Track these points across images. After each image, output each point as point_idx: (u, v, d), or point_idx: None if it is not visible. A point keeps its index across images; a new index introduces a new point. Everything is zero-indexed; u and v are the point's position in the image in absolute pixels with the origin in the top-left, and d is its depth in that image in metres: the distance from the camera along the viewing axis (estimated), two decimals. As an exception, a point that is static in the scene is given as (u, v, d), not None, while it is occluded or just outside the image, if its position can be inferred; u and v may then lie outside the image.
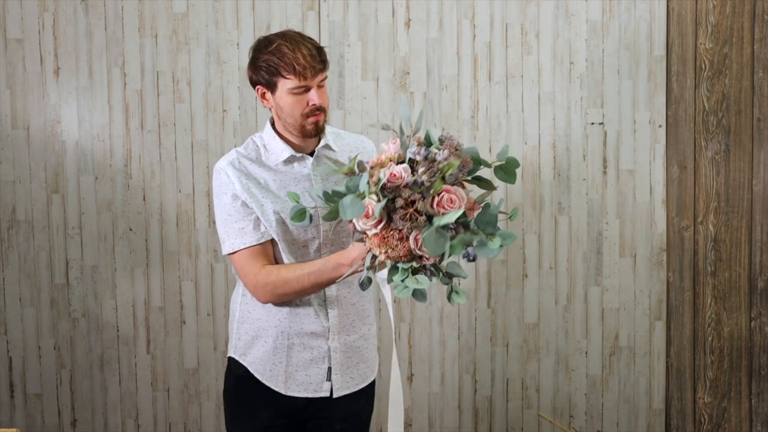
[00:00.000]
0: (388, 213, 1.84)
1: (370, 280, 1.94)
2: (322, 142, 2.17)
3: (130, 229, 3.07)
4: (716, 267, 3.13)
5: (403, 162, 1.87)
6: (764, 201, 3.11)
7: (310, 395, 2.20)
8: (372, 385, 2.31)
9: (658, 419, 3.17)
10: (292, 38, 2.08)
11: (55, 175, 3.05)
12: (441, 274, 1.90)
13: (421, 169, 1.84)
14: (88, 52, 3.03)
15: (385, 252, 1.86)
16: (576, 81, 3.08)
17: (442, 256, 1.85)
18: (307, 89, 2.08)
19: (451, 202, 1.83)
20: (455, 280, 1.93)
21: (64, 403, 3.10)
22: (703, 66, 3.08)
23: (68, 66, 3.03)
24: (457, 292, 1.89)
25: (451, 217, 1.79)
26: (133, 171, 3.06)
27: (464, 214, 1.84)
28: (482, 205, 1.88)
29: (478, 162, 1.90)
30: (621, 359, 3.15)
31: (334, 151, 2.19)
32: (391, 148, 1.90)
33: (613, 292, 3.13)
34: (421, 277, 1.85)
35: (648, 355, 3.15)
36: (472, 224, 1.84)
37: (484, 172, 1.96)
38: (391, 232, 1.85)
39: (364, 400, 2.29)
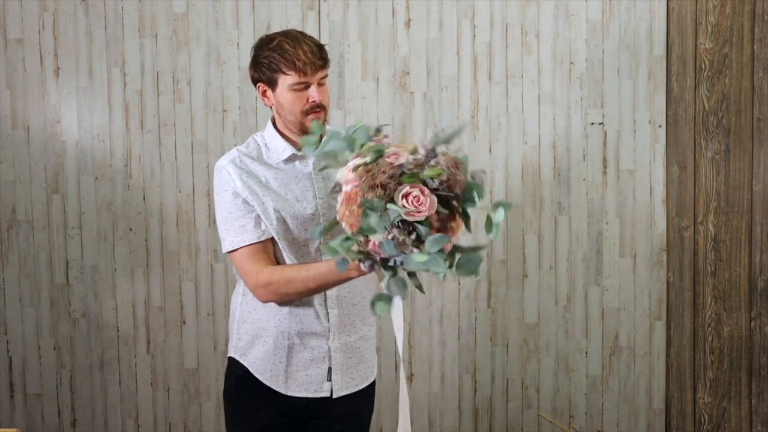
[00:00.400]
0: (365, 176, 1.79)
1: (343, 261, 1.86)
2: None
3: (130, 229, 3.07)
4: (716, 267, 3.13)
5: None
6: (764, 201, 3.11)
7: (310, 395, 2.20)
8: (372, 385, 2.31)
9: (658, 419, 3.17)
10: (293, 36, 2.10)
11: (55, 175, 3.05)
12: (386, 275, 1.82)
13: (411, 158, 1.80)
14: (88, 52, 3.03)
15: (343, 212, 1.81)
16: (576, 81, 3.08)
17: (392, 263, 1.79)
18: (307, 86, 2.09)
19: (418, 201, 1.75)
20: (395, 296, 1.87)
21: (64, 403, 3.10)
22: (703, 66, 3.08)
23: (68, 66, 3.03)
24: (381, 301, 1.81)
25: (396, 209, 1.72)
26: (133, 171, 3.06)
27: (428, 225, 1.76)
28: (455, 250, 1.80)
29: (471, 197, 1.80)
30: (621, 359, 3.15)
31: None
32: (422, 145, 1.84)
33: (613, 292, 3.13)
34: (353, 251, 1.79)
35: (648, 355, 3.15)
36: (424, 236, 1.76)
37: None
38: (355, 197, 1.79)
39: (364, 400, 2.28)
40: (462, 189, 1.80)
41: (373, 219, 1.74)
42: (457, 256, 1.80)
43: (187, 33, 3.03)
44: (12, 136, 3.04)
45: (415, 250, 1.77)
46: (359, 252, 1.81)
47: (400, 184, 1.76)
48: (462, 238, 1.87)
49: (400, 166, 1.77)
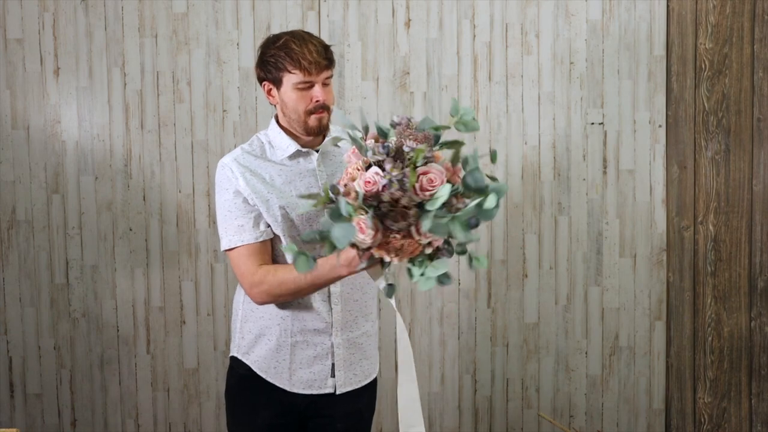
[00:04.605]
0: (381, 220, 1.82)
1: (391, 286, 1.92)
2: (327, 138, 2.19)
3: (130, 229, 3.07)
4: (716, 267, 3.13)
5: (370, 166, 1.84)
6: (764, 201, 3.11)
7: (314, 392, 2.21)
8: (374, 382, 2.31)
9: (658, 419, 3.17)
10: (300, 35, 2.12)
11: (55, 175, 3.05)
12: (455, 248, 1.88)
13: (388, 166, 1.82)
14: (88, 52, 3.03)
15: (396, 256, 1.84)
16: (576, 81, 3.08)
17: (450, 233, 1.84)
18: (312, 85, 2.10)
19: (432, 181, 1.80)
20: (471, 246, 1.91)
21: (64, 403, 3.10)
22: (703, 66, 3.08)
23: (68, 66, 3.03)
24: (477, 259, 1.85)
25: (442, 196, 1.76)
26: (133, 171, 3.06)
27: (450, 184, 1.82)
28: (461, 163, 1.85)
29: (437, 130, 1.87)
30: (621, 359, 3.15)
31: (338, 147, 2.20)
32: (353, 158, 1.88)
33: (613, 292, 3.13)
34: (437, 261, 1.83)
35: (648, 355, 3.15)
36: (460, 190, 1.81)
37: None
38: (393, 236, 1.83)
39: (366, 398, 2.29)
40: (432, 136, 1.85)
41: (457, 220, 1.78)
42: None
43: (187, 33, 3.03)
44: (12, 136, 3.04)
45: (461, 204, 1.82)
46: (435, 255, 1.85)
47: (405, 191, 1.78)
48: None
49: (389, 183, 1.79)
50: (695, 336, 3.16)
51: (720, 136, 3.10)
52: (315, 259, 1.88)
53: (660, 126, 3.09)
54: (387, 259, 1.85)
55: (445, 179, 1.81)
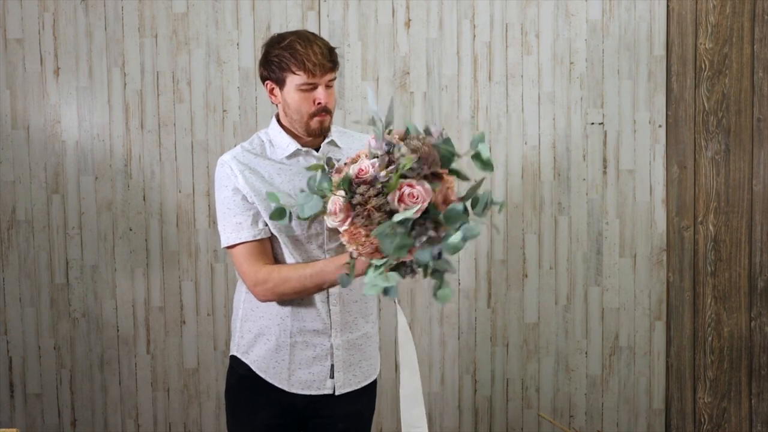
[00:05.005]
0: (354, 209, 1.83)
1: (348, 276, 1.92)
2: (328, 138, 2.19)
3: (130, 229, 3.07)
4: (716, 267, 3.13)
5: (376, 157, 1.85)
6: (764, 201, 3.11)
7: (313, 392, 2.21)
8: (374, 383, 2.31)
9: (658, 419, 3.17)
10: (304, 36, 2.11)
11: (55, 175, 3.05)
12: (428, 271, 1.87)
13: (378, 164, 1.82)
14: (88, 52, 3.03)
15: (356, 248, 1.84)
16: (576, 81, 3.08)
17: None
18: (315, 87, 2.10)
19: (413, 197, 1.79)
20: (446, 276, 1.91)
21: (64, 403, 3.10)
22: (703, 66, 3.08)
23: (68, 66, 3.03)
24: (441, 289, 1.86)
25: (405, 214, 1.76)
26: (133, 171, 3.06)
27: (434, 208, 1.81)
28: (471, 203, 1.86)
29: (451, 154, 1.87)
30: (621, 359, 3.15)
31: (339, 147, 2.20)
32: (371, 143, 1.90)
33: (613, 292, 3.13)
34: (391, 274, 1.83)
35: (648, 355, 3.15)
36: (441, 218, 1.81)
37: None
38: (359, 229, 1.83)
39: (366, 399, 2.29)
40: (436, 155, 1.84)
41: (398, 240, 1.77)
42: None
43: (187, 33, 3.03)
44: (12, 136, 3.04)
45: (442, 233, 1.82)
46: (400, 267, 1.85)
47: (387, 194, 1.79)
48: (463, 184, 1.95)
49: (375, 179, 1.79)
50: (695, 336, 3.16)
51: (720, 136, 3.10)
52: (291, 215, 1.94)
53: (660, 126, 3.10)
54: (349, 249, 1.85)
55: (427, 200, 1.80)
